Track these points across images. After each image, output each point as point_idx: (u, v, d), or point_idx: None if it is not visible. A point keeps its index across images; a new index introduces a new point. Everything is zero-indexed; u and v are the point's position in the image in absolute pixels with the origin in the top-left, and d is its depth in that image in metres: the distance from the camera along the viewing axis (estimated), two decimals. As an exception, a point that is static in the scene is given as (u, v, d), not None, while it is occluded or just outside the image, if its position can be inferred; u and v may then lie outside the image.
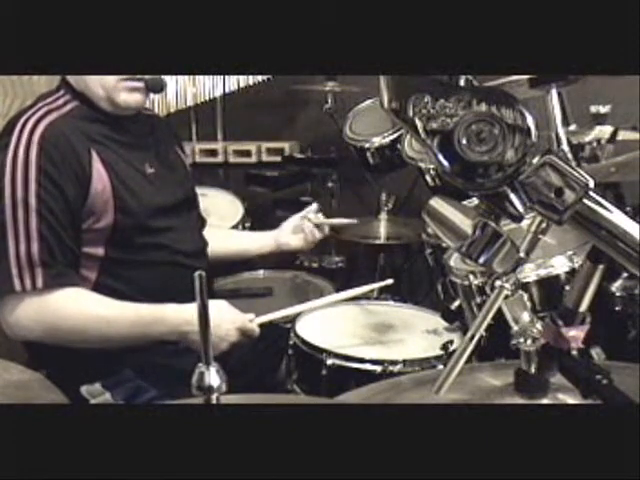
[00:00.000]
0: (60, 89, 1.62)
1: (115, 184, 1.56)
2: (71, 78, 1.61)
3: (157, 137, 1.76)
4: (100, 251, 1.57)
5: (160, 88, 1.69)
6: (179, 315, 1.54)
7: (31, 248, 1.47)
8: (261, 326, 1.66)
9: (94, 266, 1.58)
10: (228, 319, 1.60)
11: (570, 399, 0.86)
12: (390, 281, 1.91)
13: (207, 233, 1.88)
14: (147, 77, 1.61)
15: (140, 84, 1.60)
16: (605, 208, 0.72)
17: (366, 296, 1.94)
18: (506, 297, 0.80)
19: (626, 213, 0.72)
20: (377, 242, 2.71)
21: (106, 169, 1.56)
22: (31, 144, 1.49)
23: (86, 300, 1.54)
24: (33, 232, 1.47)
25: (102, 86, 1.58)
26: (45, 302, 1.49)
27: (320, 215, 2.05)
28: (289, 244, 2.04)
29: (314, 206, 2.07)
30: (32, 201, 1.47)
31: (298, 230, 2.03)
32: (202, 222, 1.91)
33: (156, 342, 1.58)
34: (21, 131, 1.51)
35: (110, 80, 1.57)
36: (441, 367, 1.52)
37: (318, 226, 2.02)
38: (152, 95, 1.74)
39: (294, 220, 2.05)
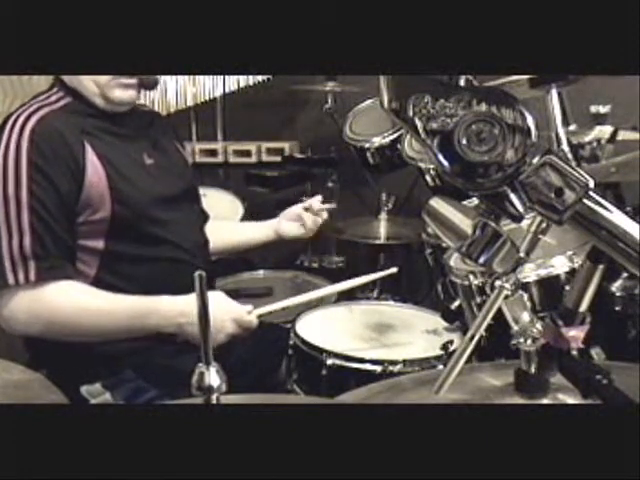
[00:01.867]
0: (54, 87, 1.63)
1: (111, 175, 1.56)
2: (65, 76, 1.62)
3: (155, 130, 1.77)
4: (100, 244, 1.57)
5: (153, 84, 1.70)
6: (174, 307, 1.54)
7: (23, 241, 1.47)
8: (261, 326, 1.66)
9: (94, 261, 1.58)
10: (224, 310, 1.59)
11: (570, 399, 0.86)
12: (394, 269, 1.90)
13: (208, 228, 1.88)
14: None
15: (133, 80, 1.61)
16: (605, 208, 0.72)
17: (366, 296, 1.94)
18: (506, 297, 0.80)
19: (626, 213, 0.72)
20: (377, 242, 2.72)
21: (101, 161, 1.55)
22: (22, 138, 1.49)
23: (80, 293, 1.53)
24: (25, 226, 1.47)
25: (95, 83, 1.58)
26: (39, 295, 1.49)
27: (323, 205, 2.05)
28: (289, 233, 2.03)
29: (318, 197, 2.07)
30: (24, 195, 1.47)
31: (297, 218, 2.03)
32: (205, 217, 1.91)
33: (156, 342, 1.58)
34: (12, 126, 1.51)
35: (103, 77, 1.58)
36: (441, 367, 1.52)
37: (317, 213, 2.03)
38: (149, 93, 1.75)
39: (295, 209, 2.04)
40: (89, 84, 1.59)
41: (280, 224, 2.04)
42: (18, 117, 1.53)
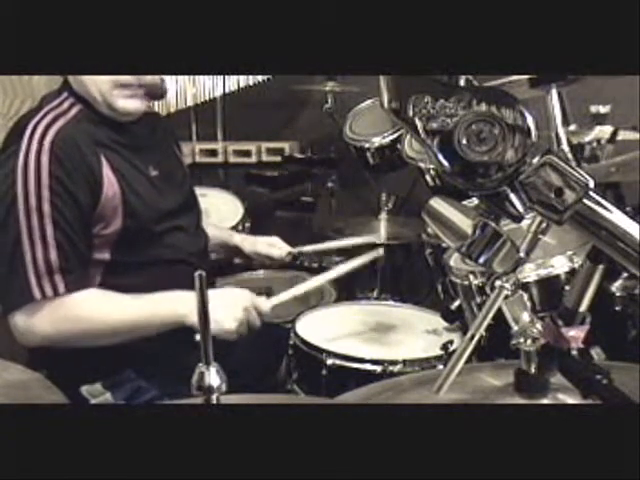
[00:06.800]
0: (63, 92, 1.61)
1: (124, 189, 1.56)
2: (72, 81, 1.60)
3: (157, 137, 1.76)
4: (106, 256, 1.57)
5: (160, 94, 1.67)
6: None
7: (49, 255, 1.46)
8: (261, 326, 1.66)
9: (99, 269, 1.58)
10: (241, 297, 1.61)
11: (570, 399, 0.86)
12: (381, 251, 1.89)
13: None
14: (146, 83, 1.58)
15: (137, 91, 1.58)
16: (605, 208, 0.72)
17: (366, 296, 1.94)
18: (506, 297, 0.80)
19: (626, 213, 0.72)
20: (377, 242, 2.71)
21: (115, 175, 1.55)
22: (42, 151, 1.47)
23: (104, 298, 1.54)
24: (49, 239, 1.46)
25: (99, 91, 1.56)
26: (66, 307, 1.49)
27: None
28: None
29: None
30: (46, 208, 1.46)
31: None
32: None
33: (156, 342, 1.58)
34: (31, 137, 1.49)
35: (105, 86, 1.55)
36: (441, 367, 1.52)
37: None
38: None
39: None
40: (94, 93, 1.56)
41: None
42: (36, 127, 1.50)
